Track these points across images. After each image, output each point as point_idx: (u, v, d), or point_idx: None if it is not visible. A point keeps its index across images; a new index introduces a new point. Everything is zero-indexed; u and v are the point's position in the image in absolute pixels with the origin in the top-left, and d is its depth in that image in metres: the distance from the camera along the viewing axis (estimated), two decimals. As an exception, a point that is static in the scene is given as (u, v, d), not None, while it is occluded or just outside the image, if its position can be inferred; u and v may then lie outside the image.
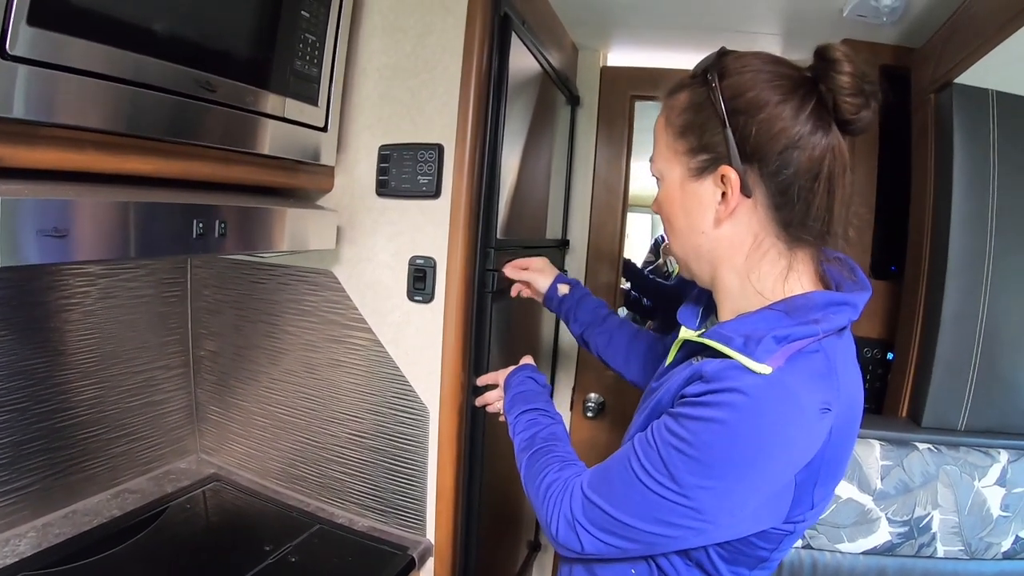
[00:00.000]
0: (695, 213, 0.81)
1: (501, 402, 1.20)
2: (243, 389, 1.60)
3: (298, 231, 1.22)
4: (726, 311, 0.85)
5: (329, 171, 1.38)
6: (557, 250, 2.06)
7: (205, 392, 1.67)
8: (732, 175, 0.75)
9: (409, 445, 1.40)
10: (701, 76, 0.79)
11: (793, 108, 0.72)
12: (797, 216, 0.75)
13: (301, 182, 1.31)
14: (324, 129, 1.26)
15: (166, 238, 0.96)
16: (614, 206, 2.24)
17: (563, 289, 1.33)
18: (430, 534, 1.40)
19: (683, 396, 0.74)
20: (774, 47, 2.01)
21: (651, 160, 0.88)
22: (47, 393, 1.32)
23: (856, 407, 0.79)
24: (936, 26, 1.61)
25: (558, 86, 1.87)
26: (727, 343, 0.73)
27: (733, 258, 0.81)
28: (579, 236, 2.24)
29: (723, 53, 0.81)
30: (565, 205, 2.16)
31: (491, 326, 1.40)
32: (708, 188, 0.79)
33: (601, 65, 2.22)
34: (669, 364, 0.92)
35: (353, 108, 1.36)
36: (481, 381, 1.29)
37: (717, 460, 0.69)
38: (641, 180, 2.35)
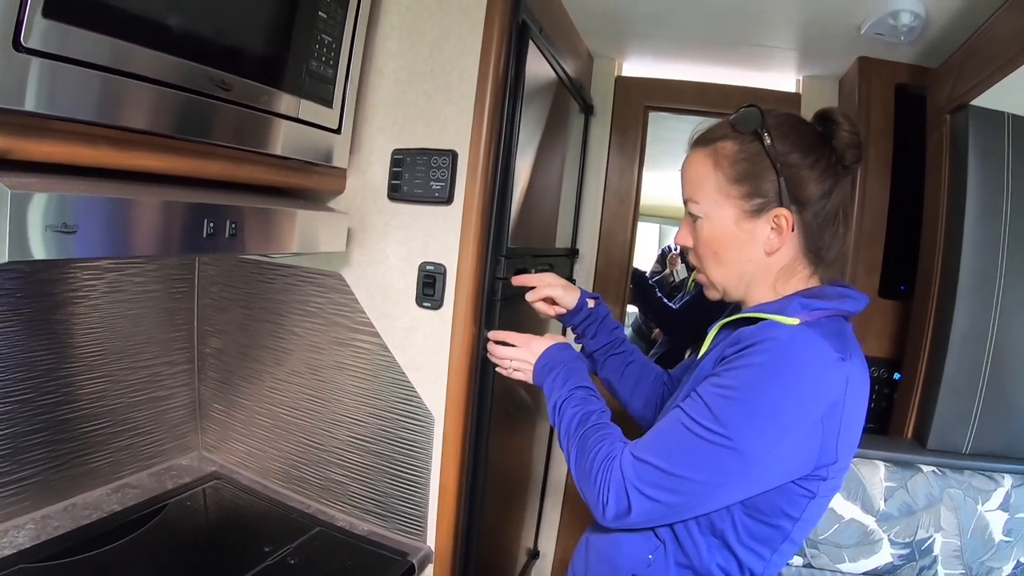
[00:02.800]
0: (747, 246, 0.95)
1: (521, 363, 1.20)
2: (247, 388, 1.58)
3: (308, 233, 1.20)
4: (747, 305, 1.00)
5: (341, 173, 1.36)
6: (566, 259, 2.04)
7: (209, 389, 1.65)
8: (787, 215, 0.91)
9: (412, 451, 1.38)
10: (751, 132, 0.93)
11: (824, 164, 0.91)
12: (824, 244, 0.94)
13: (313, 183, 1.29)
14: (338, 131, 1.24)
15: (176, 237, 0.94)
16: (625, 216, 2.22)
17: (591, 303, 1.33)
18: (430, 540, 1.38)
19: (723, 358, 0.87)
20: (790, 62, 2.00)
21: (691, 200, 1.00)
22: (51, 385, 1.30)
23: (865, 385, 0.90)
24: (954, 47, 1.60)
25: (572, 94, 1.85)
26: (760, 311, 0.90)
27: (768, 277, 0.96)
28: (589, 245, 2.23)
29: (764, 112, 0.94)
30: (575, 214, 2.14)
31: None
32: (762, 226, 0.93)
33: (616, 75, 2.21)
34: (701, 356, 1.02)
35: (367, 110, 1.34)
36: (495, 336, 1.25)
37: (755, 396, 0.81)
38: (651, 190, 2.35)
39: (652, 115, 2.22)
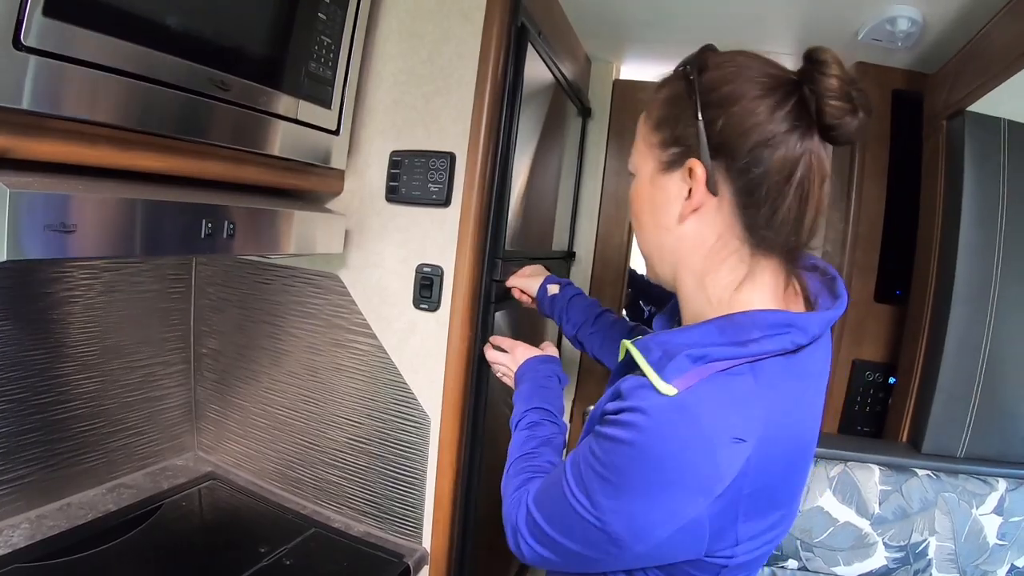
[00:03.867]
0: (661, 208, 0.77)
1: (506, 369, 1.21)
2: (243, 389, 1.58)
3: (306, 234, 1.20)
4: (686, 317, 0.81)
5: (339, 175, 1.36)
6: (563, 262, 2.04)
7: (205, 390, 1.65)
8: (699, 169, 0.71)
9: (408, 452, 1.38)
10: (682, 69, 0.77)
11: (770, 105, 0.68)
12: (762, 218, 0.70)
13: (311, 185, 1.29)
14: (336, 132, 1.25)
15: (174, 237, 0.94)
16: (621, 219, 2.23)
17: (552, 289, 1.31)
18: (426, 542, 1.38)
19: (604, 413, 0.71)
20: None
21: (630, 155, 0.84)
22: (46, 385, 1.30)
23: (799, 435, 0.74)
24: (951, 53, 1.60)
25: (570, 97, 1.86)
26: (646, 353, 0.70)
27: (692, 258, 0.76)
28: (585, 248, 2.23)
29: (707, 48, 0.78)
30: (572, 217, 2.15)
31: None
32: (675, 182, 0.74)
33: (614, 78, 2.22)
34: (619, 363, 0.87)
35: (366, 112, 1.34)
36: (495, 340, 1.28)
37: (623, 481, 0.67)
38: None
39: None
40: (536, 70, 1.46)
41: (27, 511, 1.28)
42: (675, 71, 0.79)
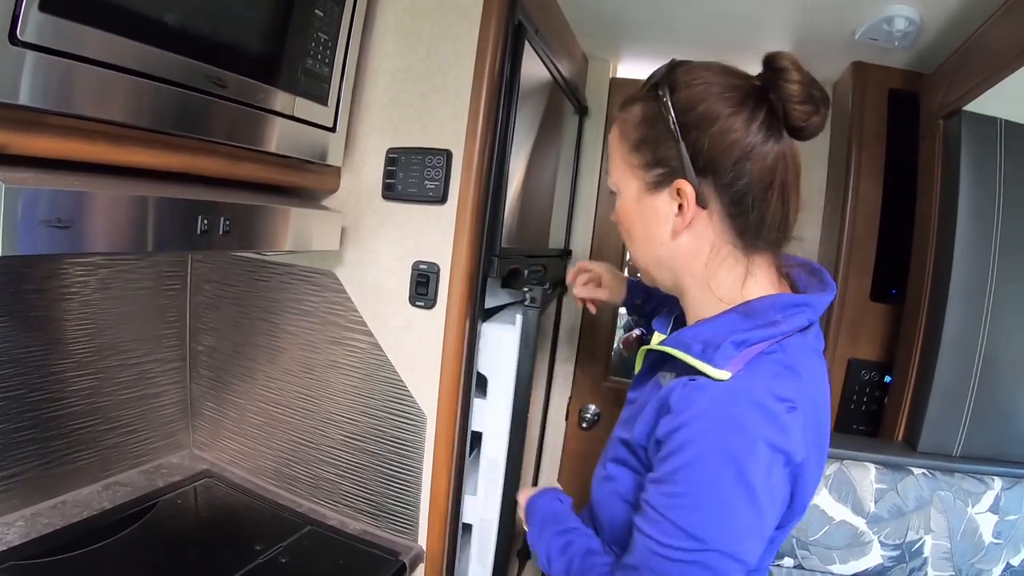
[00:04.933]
0: (653, 225, 0.82)
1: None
2: (239, 386, 1.58)
3: (302, 231, 1.20)
4: (691, 317, 0.86)
5: (336, 172, 1.37)
6: (559, 259, 2.05)
7: (201, 387, 1.65)
8: (688, 189, 0.76)
9: (404, 450, 1.38)
10: (652, 90, 0.80)
11: (744, 119, 0.74)
12: (752, 224, 0.77)
13: (307, 182, 1.30)
14: (332, 129, 1.25)
15: (171, 233, 0.94)
16: (618, 217, 2.22)
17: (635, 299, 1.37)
18: (422, 540, 1.39)
19: (658, 441, 0.74)
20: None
21: (607, 173, 0.89)
22: (41, 382, 1.30)
23: (821, 406, 0.79)
24: (947, 53, 1.61)
25: (567, 95, 1.86)
26: (686, 349, 0.75)
27: (692, 267, 0.82)
28: (582, 246, 2.24)
29: (673, 65, 0.81)
30: (569, 215, 2.15)
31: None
32: (664, 201, 0.80)
33: (611, 76, 2.22)
34: (638, 372, 0.94)
35: (362, 109, 1.34)
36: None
37: (716, 493, 0.68)
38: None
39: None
40: (533, 68, 1.46)
41: (22, 509, 1.28)
42: (644, 90, 0.83)
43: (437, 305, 1.31)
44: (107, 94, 0.83)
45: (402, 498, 1.39)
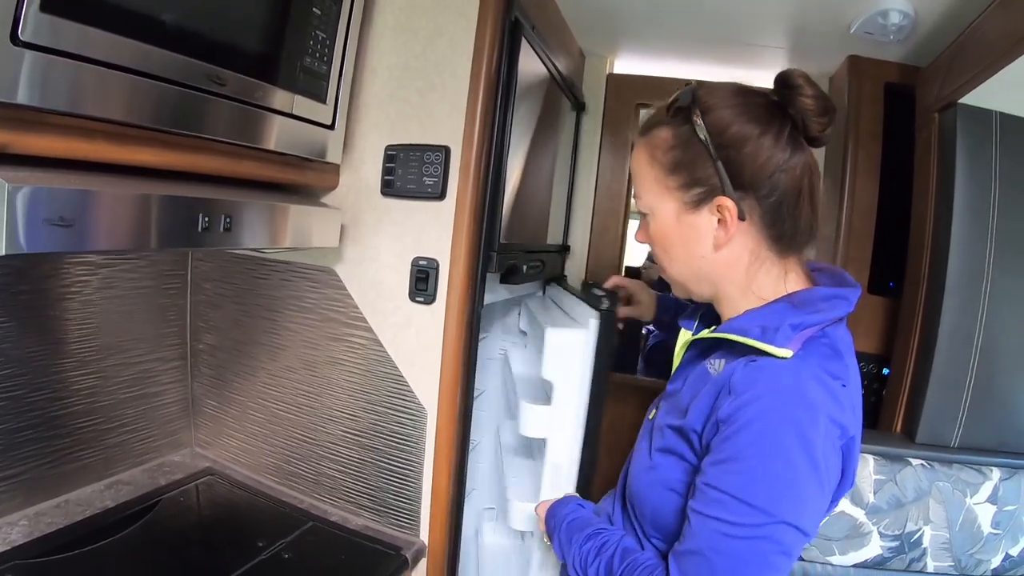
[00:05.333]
0: (693, 242, 0.87)
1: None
2: (240, 384, 1.59)
3: (302, 228, 1.21)
4: (727, 316, 0.91)
5: (335, 169, 1.37)
6: (558, 255, 2.05)
7: (202, 386, 1.66)
8: (730, 204, 0.82)
9: (405, 445, 1.39)
10: (682, 114, 0.85)
11: (773, 136, 0.80)
12: (788, 231, 0.84)
13: (307, 179, 1.30)
14: (331, 127, 1.26)
15: (172, 231, 0.95)
16: (616, 213, 2.24)
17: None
18: (423, 535, 1.39)
19: (719, 423, 0.77)
20: (779, 60, 2.01)
21: (635, 197, 0.93)
22: (42, 381, 1.31)
23: (859, 392, 0.84)
24: (943, 46, 1.62)
25: (564, 91, 1.87)
26: (744, 333, 0.80)
27: (732, 275, 0.87)
28: (580, 242, 2.24)
29: (696, 89, 0.86)
30: (567, 210, 2.16)
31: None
32: (705, 218, 0.85)
33: (608, 72, 2.22)
34: (679, 364, 0.99)
35: (361, 107, 1.35)
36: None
37: (788, 460, 0.72)
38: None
39: (644, 113, 2.21)
40: (530, 65, 1.47)
41: (25, 508, 1.29)
42: (669, 114, 0.87)
43: (437, 300, 1.32)
44: (108, 93, 0.84)
45: (403, 493, 1.40)
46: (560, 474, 1.31)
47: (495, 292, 1.48)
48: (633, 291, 1.45)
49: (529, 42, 1.39)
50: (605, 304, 1.24)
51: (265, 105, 1.10)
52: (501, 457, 1.74)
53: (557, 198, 1.99)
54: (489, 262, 1.32)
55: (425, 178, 1.29)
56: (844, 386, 0.77)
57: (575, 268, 2.24)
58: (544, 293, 1.92)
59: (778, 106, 0.83)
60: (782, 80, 0.83)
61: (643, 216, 0.94)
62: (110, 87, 0.84)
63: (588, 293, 1.41)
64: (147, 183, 0.94)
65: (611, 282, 1.46)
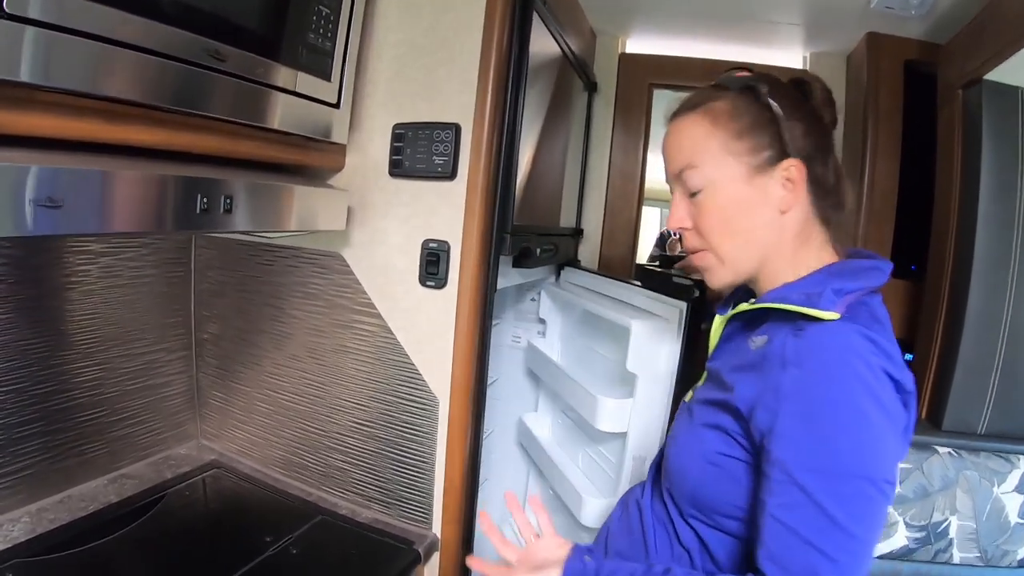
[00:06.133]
0: (760, 207, 0.87)
1: None
2: (246, 374, 1.54)
3: (307, 210, 1.15)
4: (761, 291, 0.92)
5: (340, 149, 1.31)
6: (571, 238, 1.99)
7: (207, 376, 1.61)
8: (798, 164, 0.85)
9: (417, 435, 1.34)
10: (741, 85, 0.89)
11: (814, 116, 0.88)
12: (832, 204, 0.89)
13: (311, 160, 1.25)
14: (336, 105, 1.20)
15: (168, 212, 0.90)
16: (630, 195, 2.18)
17: None
18: (436, 528, 1.34)
19: (780, 399, 0.74)
20: (796, 37, 1.96)
21: (688, 167, 0.89)
22: (45, 374, 1.27)
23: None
24: (964, 20, 1.56)
25: (576, 70, 1.80)
26: (786, 300, 0.80)
27: (783, 246, 0.88)
28: (593, 224, 2.18)
29: (750, 71, 0.92)
30: (580, 193, 2.10)
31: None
32: (773, 181, 0.86)
33: (619, 52, 2.16)
34: (716, 343, 0.99)
35: (367, 85, 1.29)
36: (475, 565, 1.06)
37: (866, 417, 0.71)
38: (651, 173, 2.30)
39: (657, 93, 2.17)
40: (540, 42, 1.41)
41: (28, 504, 1.25)
42: (733, 86, 0.90)
43: (448, 284, 1.26)
44: (100, 69, 0.79)
45: (415, 485, 1.35)
46: (642, 466, 1.29)
47: (508, 276, 1.42)
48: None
49: (540, 17, 1.33)
50: (696, 293, 1.20)
51: (267, 82, 1.04)
52: (543, 449, 1.71)
53: (569, 180, 1.93)
54: (502, 244, 1.26)
55: (435, 157, 1.23)
56: (892, 342, 0.77)
57: (588, 252, 2.18)
58: (559, 278, 1.86)
59: (802, 97, 0.90)
60: (798, 80, 0.92)
61: (686, 195, 0.91)
62: (103, 62, 0.78)
63: (660, 278, 1.36)
64: (143, 163, 0.89)
65: (685, 264, 1.43)
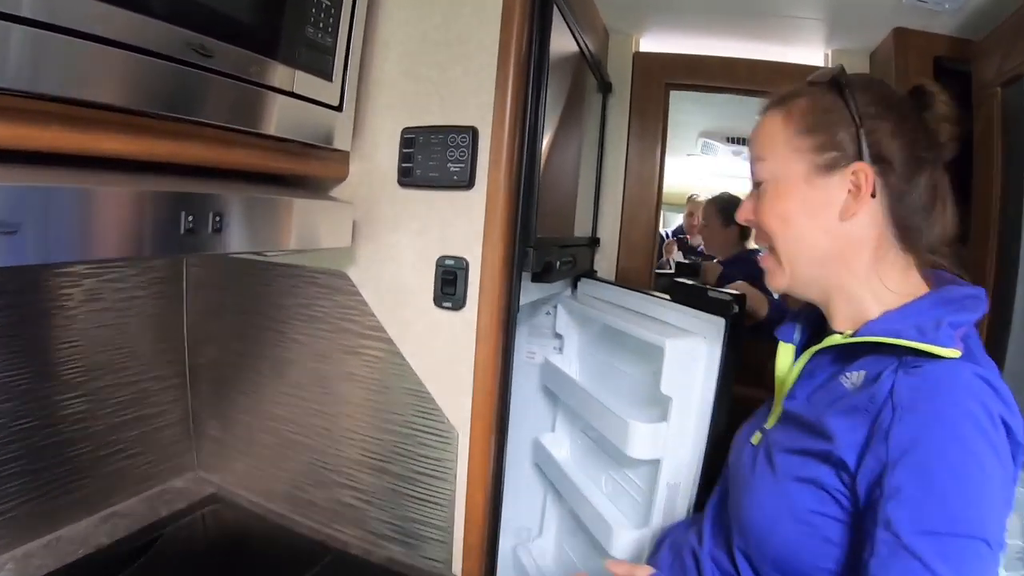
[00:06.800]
0: (819, 208, 0.79)
1: None
2: (245, 402, 1.38)
3: (307, 226, 0.99)
4: (842, 317, 0.82)
5: (344, 157, 1.15)
6: (587, 248, 1.83)
7: (203, 404, 1.44)
8: (867, 170, 0.76)
9: (434, 470, 1.18)
10: (828, 83, 0.82)
11: (913, 124, 0.78)
12: (915, 223, 0.78)
13: (311, 169, 1.08)
14: (339, 108, 1.04)
15: (147, 234, 0.75)
16: (647, 201, 2.02)
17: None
18: (457, 567, 1.18)
19: (890, 449, 0.66)
20: (817, 34, 1.83)
21: (757, 159, 0.86)
22: (26, 408, 1.12)
23: None
24: (1000, 16, 1.44)
25: (592, 70, 1.66)
26: (899, 335, 0.71)
27: (854, 259, 0.79)
28: (610, 233, 2.02)
29: (841, 68, 0.83)
30: (595, 199, 1.94)
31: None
32: (836, 184, 0.78)
33: (634, 51, 2.01)
34: (795, 381, 0.87)
35: (372, 86, 1.13)
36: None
37: (985, 478, 0.63)
38: (673, 176, 2.17)
39: (674, 94, 2.03)
40: (559, 39, 1.25)
41: (12, 549, 1.11)
42: (810, 86, 0.84)
43: (467, 305, 1.10)
44: (62, 66, 0.63)
45: (433, 523, 1.19)
46: (677, 494, 1.18)
47: (527, 292, 1.26)
48: (738, 285, 1.30)
49: (559, 10, 1.18)
50: (735, 308, 1.07)
51: (260, 82, 0.88)
52: (563, 472, 1.57)
53: (584, 187, 1.77)
54: (525, 259, 1.10)
55: (450, 164, 1.07)
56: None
57: (606, 262, 2.02)
58: (575, 290, 1.71)
59: (914, 106, 0.80)
60: (918, 88, 0.82)
61: (755, 188, 0.87)
62: (66, 58, 0.63)
63: (697, 293, 1.21)
64: (116, 178, 0.74)
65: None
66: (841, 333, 0.81)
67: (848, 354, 0.79)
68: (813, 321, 0.91)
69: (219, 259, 1.37)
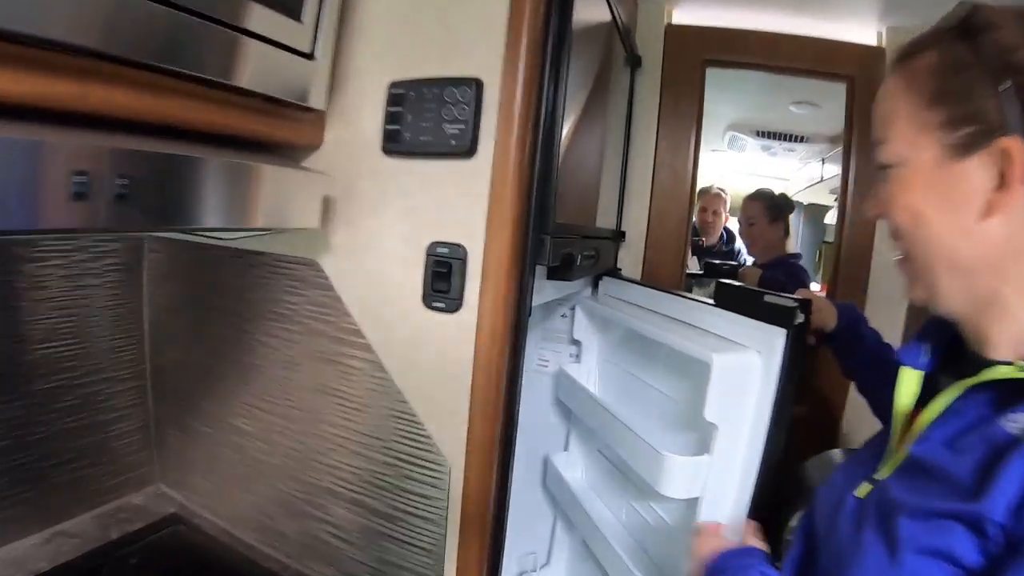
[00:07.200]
0: (955, 202, 0.60)
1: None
2: (210, 411, 1.17)
3: (258, 199, 0.76)
4: (997, 341, 0.62)
5: (318, 119, 0.92)
6: (611, 242, 1.59)
7: (168, 410, 1.23)
8: (1018, 147, 0.55)
9: (420, 509, 0.95)
10: (958, 28, 0.61)
11: None
12: None
13: (276, 131, 0.86)
14: (310, 56, 0.82)
15: (48, 201, 0.54)
16: (680, 193, 1.78)
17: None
18: (446, 622, 0.96)
19: None
20: (870, 8, 1.59)
21: (878, 142, 0.67)
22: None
23: None
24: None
25: (621, 38, 1.42)
26: None
27: (1009, 268, 0.60)
28: (637, 227, 1.79)
29: (975, 5, 0.61)
30: (621, 188, 1.71)
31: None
32: (975, 169, 0.59)
33: (666, 23, 1.77)
34: (933, 421, 0.65)
35: (354, 30, 0.90)
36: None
37: None
38: (706, 166, 1.94)
39: (711, 72, 1.80)
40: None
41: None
42: (940, 33, 0.64)
43: (464, 306, 0.86)
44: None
45: (418, 571, 0.96)
46: None
47: (541, 292, 1.03)
48: (804, 292, 1.13)
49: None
50: (799, 317, 0.87)
51: (208, 14, 0.67)
52: (577, 500, 1.35)
53: (609, 173, 1.53)
54: (540, 249, 0.86)
55: (446, 126, 0.83)
56: None
57: (631, 258, 1.79)
58: (596, 290, 1.47)
59: None
60: None
61: (881, 171, 0.67)
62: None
63: (749, 297, 0.99)
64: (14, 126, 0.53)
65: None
66: (1008, 363, 0.60)
67: (1016, 390, 0.58)
68: (946, 341, 0.70)
69: (179, 245, 1.16)
